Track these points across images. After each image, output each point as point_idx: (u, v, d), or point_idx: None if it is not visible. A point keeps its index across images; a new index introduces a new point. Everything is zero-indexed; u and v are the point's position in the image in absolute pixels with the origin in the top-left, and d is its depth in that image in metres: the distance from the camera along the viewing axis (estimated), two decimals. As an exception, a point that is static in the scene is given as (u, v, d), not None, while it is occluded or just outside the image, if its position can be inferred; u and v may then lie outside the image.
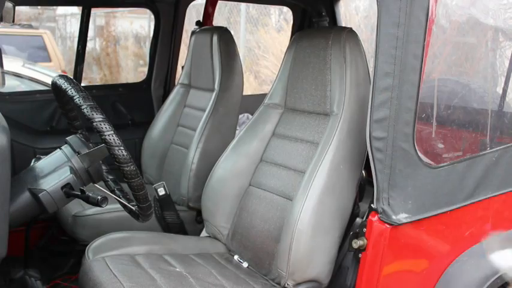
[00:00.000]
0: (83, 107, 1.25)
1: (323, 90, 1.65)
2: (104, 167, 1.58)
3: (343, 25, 3.04)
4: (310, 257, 1.53)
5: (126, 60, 10.15)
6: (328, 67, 1.64)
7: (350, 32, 1.64)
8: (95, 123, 1.24)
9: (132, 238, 1.82)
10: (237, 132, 2.46)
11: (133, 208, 1.44)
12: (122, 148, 1.24)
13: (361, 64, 1.62)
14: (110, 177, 1.59)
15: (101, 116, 1.25)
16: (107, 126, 1.24)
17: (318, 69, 1.67)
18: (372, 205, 1.44)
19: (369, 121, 1.37)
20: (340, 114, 1.60)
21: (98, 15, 10.53)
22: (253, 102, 2.61)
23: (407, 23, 1.31)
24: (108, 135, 1.24)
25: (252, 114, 2.03)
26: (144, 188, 1.33)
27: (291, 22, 3.17)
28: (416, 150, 1.42)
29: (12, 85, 5.06)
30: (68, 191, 1.32)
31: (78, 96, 1.27)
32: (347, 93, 1.60)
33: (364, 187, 1.70)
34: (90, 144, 1.44)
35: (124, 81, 9.46)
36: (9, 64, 5.24)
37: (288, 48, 1.86)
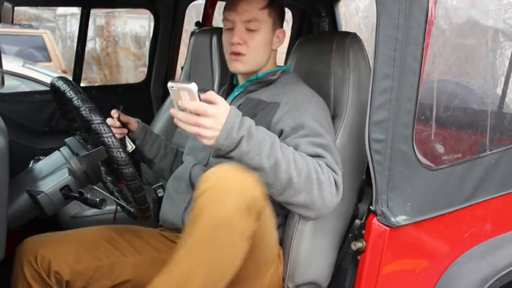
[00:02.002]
0: (81, 109, 1.25)
1: (326, 94, 1.65)
2: (102, 168, 1.58)
3: (343, 25, 3.04)
4: (310, 259, 1.53)
5: (126, 60, 10.15)
6: (331, 71, 1.64)
7: (354, 37, 1.64)
8: (93, 125, 1.23)
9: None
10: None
11: (131, 210, 1.44)
12: (120, 150, 1.24)
13: (364, 69, 1.62)
14: (109, 178, 1.59)
15: (100, 118, 1.25)
16: (105, 128, 1.24)
17: (321, 73, 1.67)
18: (370, 207, 1.44)
19: (368, 123, 1.37)
20: (342, 118, 1.60)
21: (98, 15, 10.53)
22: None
23: (407, 24, 1.31)
24: (107, 137, 1.23)
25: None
26: (143, 190, 1.33)
27: (291, 22, 3.17)
28: (415, 152, 1.42)
29: (12, 85, 5.06)
30: (67, 193, 1.32)
31: (76, 98, 1.27)
32: (349, 98, 1.60)
33: (363, 188, 1.70)
34: (89, 146, 1.44)
35: (124, 82, 9.45)
36: (9, 64, 5.24)
37: (291, 53, 1.86)
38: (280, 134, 1.45)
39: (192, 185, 1.57)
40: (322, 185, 1.30)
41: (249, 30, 1.55)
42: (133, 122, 1.76)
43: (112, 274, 1.49)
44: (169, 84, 1.23)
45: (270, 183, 1.30)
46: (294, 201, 1.32)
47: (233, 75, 1.73)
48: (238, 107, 1.55)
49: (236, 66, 1.58)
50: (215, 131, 1.23)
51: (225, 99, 1.63)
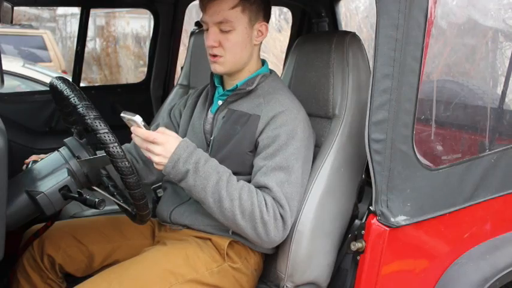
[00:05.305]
0: (78, 106, 1.24)
1: (325, 93, 1.65)
2: (102, 171, 1.57)
3: (343, 25, 3.04)
4: (310, 259, 1.53)
5: (127, 60, 10.15)
6: (330, 71, 1.63)
7: (353, 36, 1.63)
8: (89, 121, 1.23)
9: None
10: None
11: (131, 211, 1.43)
12: (116, 145, 1.23)
13: (363, 68, 1.62)
14: (108, 179, 1.59)
15: (96, 114, 1.24)
16: (101, 124, 1.23)
17: (321, 72, 1.67)
18: (370, 207, 1.44)
19: (368, 123, 1.37)
20: (341, 117, 1.60)
21: (98, 15, 10.53)
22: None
23: (406, 24, 1.31)
24: (103, 133, 1.22)
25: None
26: (140, 186, 1.32)
27: (291, 22, 3.16)
28: (415, 152, 1.41)
29: (12, 85, 5.07)
30: (66, 193, 1.32)
31: (73, 95, 1.27)
32: (349, 97, 1.59)
33: (363, 188, 1.70)
34: (88, 146, 1.43)
35: (124, 82, 9.45)
36: (9, 64, 5.25)
37: (291, 52, 1.86)
38: (256, 147, 1.53)
39: None
40: (267, 224, 1.41)
41: (223, 31, 1.51)
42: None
43: (100, 258, 1.62)
44: (122, 114, 1.37)
45: (217, 217, 1.43)
46: (242, 233, 1.45)
47: (213, 75, 1.68)
48: (222, 119, 1.58)
49: (215, 67, 1.57)
50: (163, 158, 1.37)
51: (209, 99, 1.68)
